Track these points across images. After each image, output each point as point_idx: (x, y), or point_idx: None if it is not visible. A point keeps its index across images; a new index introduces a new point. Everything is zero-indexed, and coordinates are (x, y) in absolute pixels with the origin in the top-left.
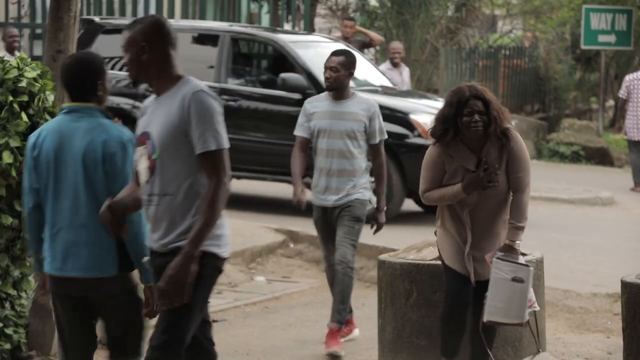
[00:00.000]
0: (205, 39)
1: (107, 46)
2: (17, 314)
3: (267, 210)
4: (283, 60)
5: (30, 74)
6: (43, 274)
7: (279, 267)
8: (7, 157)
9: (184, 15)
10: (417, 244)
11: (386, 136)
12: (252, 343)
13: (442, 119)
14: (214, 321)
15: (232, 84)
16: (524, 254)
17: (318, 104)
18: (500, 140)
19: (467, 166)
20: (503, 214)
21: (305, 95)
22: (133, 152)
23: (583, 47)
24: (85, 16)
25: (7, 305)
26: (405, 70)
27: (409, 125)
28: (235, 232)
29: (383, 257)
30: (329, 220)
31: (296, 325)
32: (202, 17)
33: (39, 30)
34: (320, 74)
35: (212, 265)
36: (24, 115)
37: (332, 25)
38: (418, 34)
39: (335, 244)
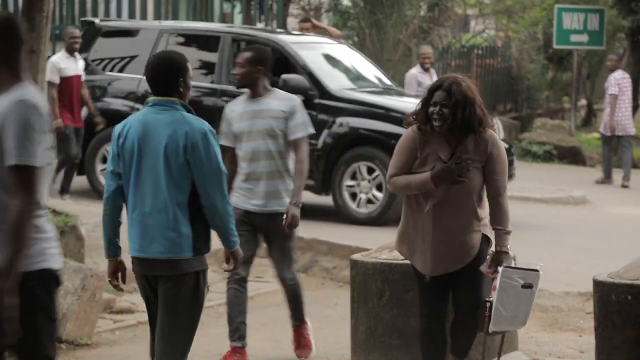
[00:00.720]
0: (205, 40)
1: (107, 48)
2: None
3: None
4: (284, 62)
5: None
6: (115, 260)
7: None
8: None
9: (157, 15)
10: (389, 243)
11: (312, 131)
12: (225, 343)
13: (419, 105)
14: None
15: (233, 85)
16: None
17: (235, 107)
18: (478, 139)
19: (441, 155)
20: (469, 216)
21: (307, 97)
22: (215, 142)
23: (555, 46)
24: (85, 18)
25: None
26: (435, 75)
27: None
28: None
29: (355, 256)
30: (253, 224)
31: (269, 325)
32: (175, 16)
33: None
34: (322, 76)
35: (45, 283)
36: None
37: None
38: (391, 34)
39: (253, 251)
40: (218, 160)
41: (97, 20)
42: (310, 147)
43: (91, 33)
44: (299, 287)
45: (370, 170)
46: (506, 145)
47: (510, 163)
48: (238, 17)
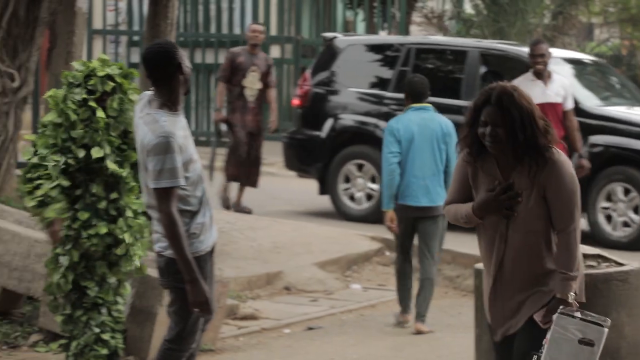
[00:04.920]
0: (451, 55)
1: (350, 63)
2: (113, 320)
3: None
4: None
5: (102, 72)
6: (391, 210)
7: (375, 274)
8: (97, 152)
9: (280, 24)
10: None
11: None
12: (348, 351)
13: (464, 124)
14: (310, 328)
15: None
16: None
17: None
18: (539, 159)
19: (488, 184)
20: (542, 259)
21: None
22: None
23: None
24: (327, 33)
25: (104, 311)
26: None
27: None
28: (332, 240)
29: (479, 265)
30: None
31: (392, 334)
32: (298, 25)
33: (136, 38)
34: (575, 92)
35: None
36: (99, 112)
37: (427, 33)
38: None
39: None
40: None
41: (340, 36)
42: None
43: (334, 48)
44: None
45: (627, 192)
46: None
47: None
48: (361, 26)
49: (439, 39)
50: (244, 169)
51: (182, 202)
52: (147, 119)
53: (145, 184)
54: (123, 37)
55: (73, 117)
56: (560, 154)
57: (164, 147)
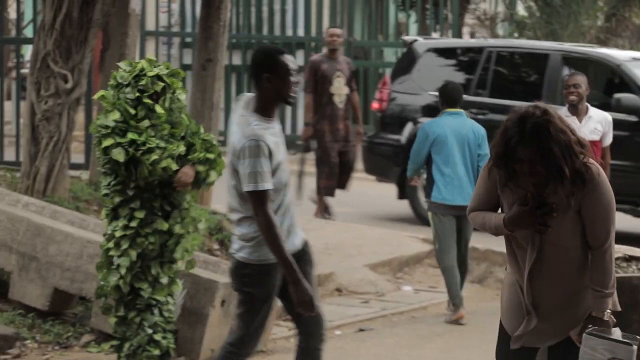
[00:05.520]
0: (532, 58)
1: (430, 67)
2: (165, 320)
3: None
4: (618, 80)
5: (151, 72)
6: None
7: (426, 276)
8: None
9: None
10: None
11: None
12: (400, 352)
13: (494, 153)
14: (362, 330)
15: (562, 105)
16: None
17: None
18: (573, 174)
19: (519, 195)
20: (577, 276)
21: None
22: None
23: None
24: (407, 36)
25: (157, 311)
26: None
27: None
28: (383, 241)
29: None
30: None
31: (443, 336)
32: (350, 27)
33: (188, 39)
34: None
35: None
36: (158, 108)
37: (480, 35)
38: None
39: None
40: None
41: (419, 39)
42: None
43: (413, 52)
44: None
45: None
46: None
47: None
48: (413, 27)
49: (520, 42)
50: (337, 177)
51: None
52: (240, 121)
53: (230, 185)
54: (175, 38)
55: (132, 110)
56: (598, 171)
57: (254, 151)
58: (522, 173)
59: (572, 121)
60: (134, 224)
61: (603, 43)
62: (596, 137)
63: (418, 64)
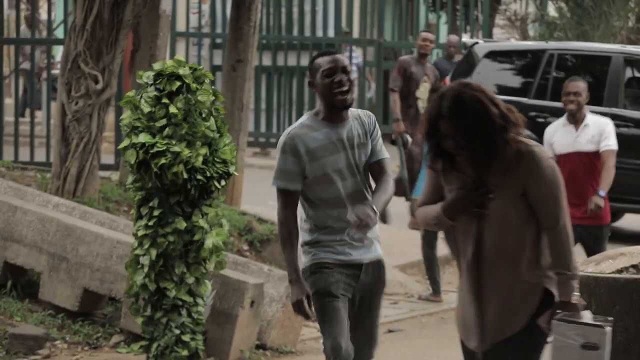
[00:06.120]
0: (595, 61)
1: (491, 69)
2: (193, 321)
3: None
4: None
5: (169, 71)
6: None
7: (455, 278)
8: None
9: (362, 27)
10: (595, 257)
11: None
12: (429, 354)
13: (425, 136)
14: (391, 331)
15: (627, 109)
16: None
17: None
18: (508, 155)
19: (458, 183)
20: (521, 264)
21: None
22: None
23: None
24: (467, 39)
25: (184, 312)
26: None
27: None
28: (412, 242)
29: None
30: None
31: (456, 339)
32: (380, 28)
33: (219, 40)
34: None
35: None
36: (172, 108)
37: (510, 36)
38: None
39: None
40: None
41: (480, 41)
42: None
43: (473, 55)
44: None
45: None
46: None
47: None
48: (444, 28)
49: (581, 44)
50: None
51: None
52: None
53: None
54: (206, 39)
55: (146, 109)
56: (533, 145)
57: (280, 147)
58: (450, 149)
59: (569, 131)
60: (152, 222)
61: (634, 44)
62: (591, 148)
63: (478, 67)
